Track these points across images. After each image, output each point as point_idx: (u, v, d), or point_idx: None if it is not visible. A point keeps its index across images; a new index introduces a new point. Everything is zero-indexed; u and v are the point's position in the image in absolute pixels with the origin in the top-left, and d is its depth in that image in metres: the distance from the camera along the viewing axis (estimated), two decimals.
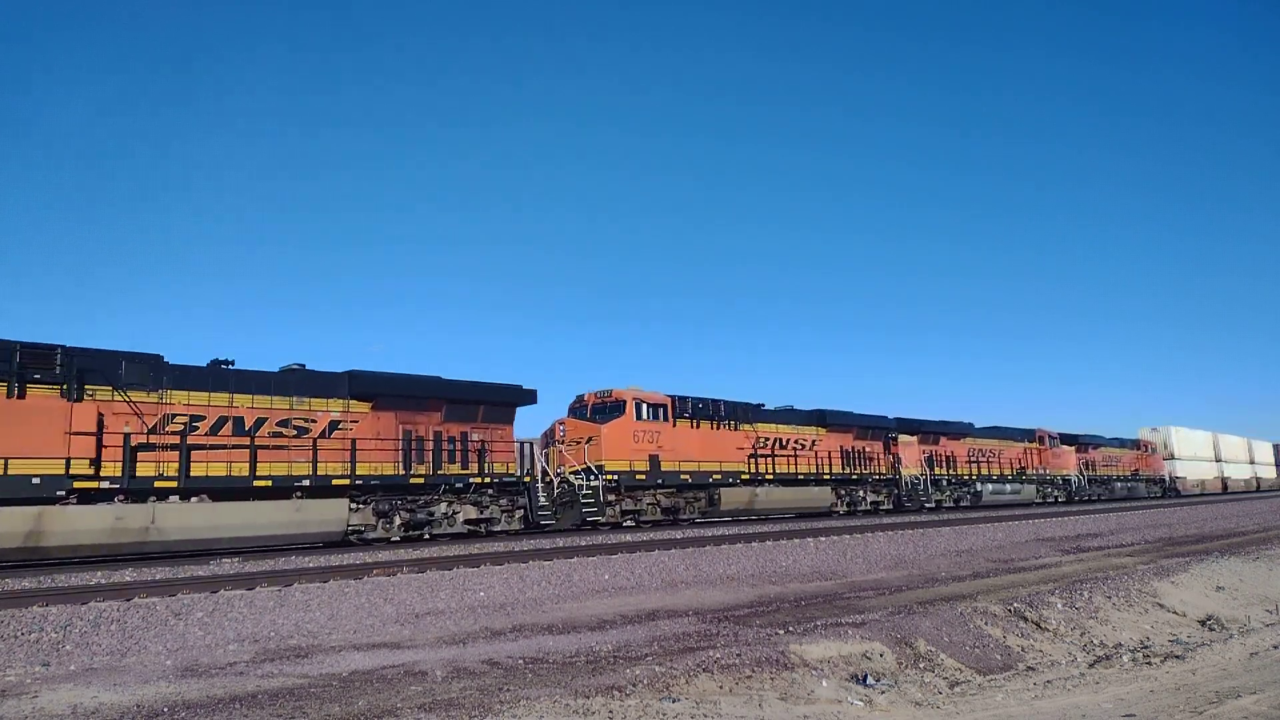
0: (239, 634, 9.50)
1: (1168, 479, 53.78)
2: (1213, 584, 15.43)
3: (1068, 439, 44.67)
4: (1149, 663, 9.69)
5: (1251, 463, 70.10)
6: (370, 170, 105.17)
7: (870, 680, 8.38)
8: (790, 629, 9.77)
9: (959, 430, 36.86)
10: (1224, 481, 62.17)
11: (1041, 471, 41.52)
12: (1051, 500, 41.23)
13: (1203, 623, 13.06)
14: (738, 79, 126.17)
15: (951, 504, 34.81)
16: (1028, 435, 42.35)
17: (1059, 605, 12.38)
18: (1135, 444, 52.57)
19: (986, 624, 11.04)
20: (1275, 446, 78.94)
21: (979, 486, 36.04)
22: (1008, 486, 38.07)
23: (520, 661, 8.10)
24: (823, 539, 19.21)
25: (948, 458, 35.50)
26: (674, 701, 6.78)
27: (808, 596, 12.56)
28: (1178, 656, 10.03)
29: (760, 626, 9.99)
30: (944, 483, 34.66)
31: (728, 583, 13.95)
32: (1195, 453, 58.65)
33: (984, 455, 37.76)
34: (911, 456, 33.14)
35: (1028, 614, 11.69)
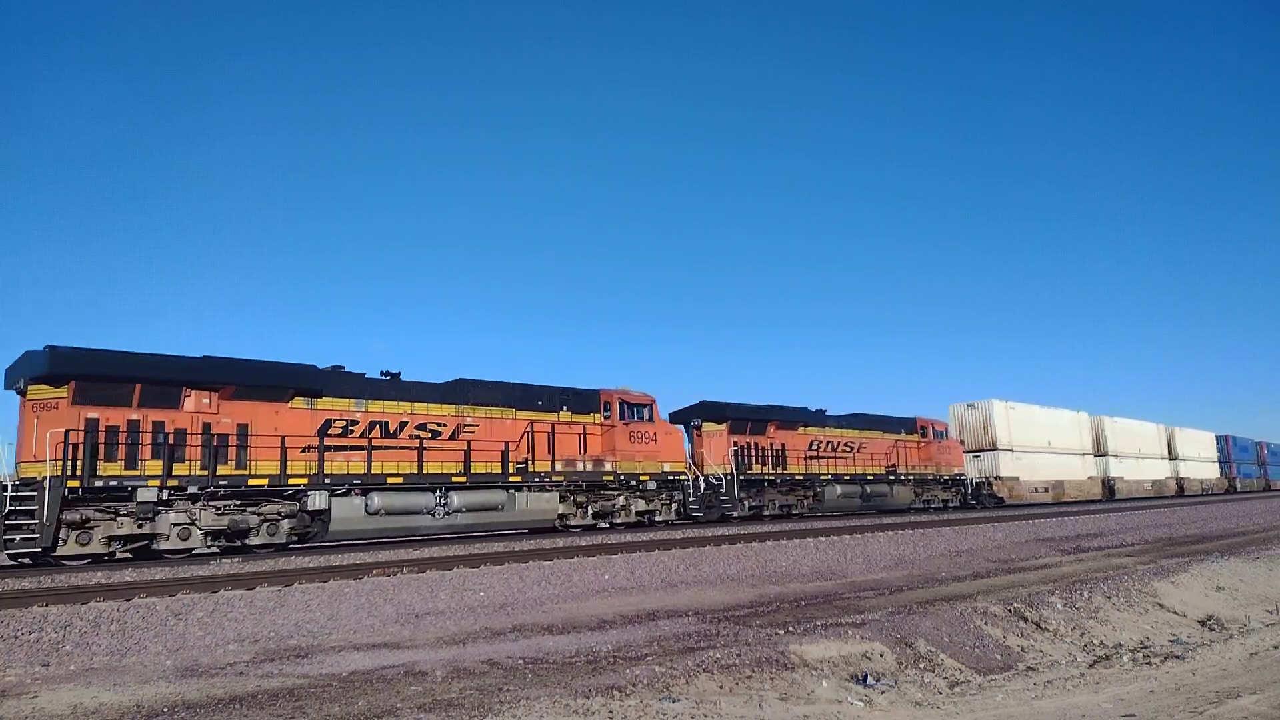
0: (239, 634, 9.49)
1: (972, 481, 36.52)
2: (1213, 584, 15.43)
3: (709, 411, 26.81)
4: (1149, 663, 9.69)
5: (1172, 458, 53.17)
6: (373, 171, 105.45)
7: (870, 680, 8.38)
8: (790, 629, 9.77)
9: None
10: (1108, 483, 44.48)
11: (588, 466, 22.20)
12: (633, 521, 22.93)
13: (1203, 623, 13.06)
14: (737, 81, 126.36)
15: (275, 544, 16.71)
16: (568, 399, 22.53)
17: (1059, 605, 12.37)
18: (905, 425, 34.16)
19: (986, 624, 11.03)
20: (1221, 439, 62.19)
21: (457, 498, 18.67)
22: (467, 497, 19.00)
23: (520, 661, 8.10)
24: (823, 539, 19.20)
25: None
26: (674, 702, 6.78)
27: (808, 596, 12.55)
28: (1178, 656, 10.03)
29: (760, 626, 9.99)
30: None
31: (727, 583, 13.94)
32: (1048, 441, 41.56)
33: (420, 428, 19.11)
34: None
35: (1028, 614, 11.68)
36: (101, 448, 15.04)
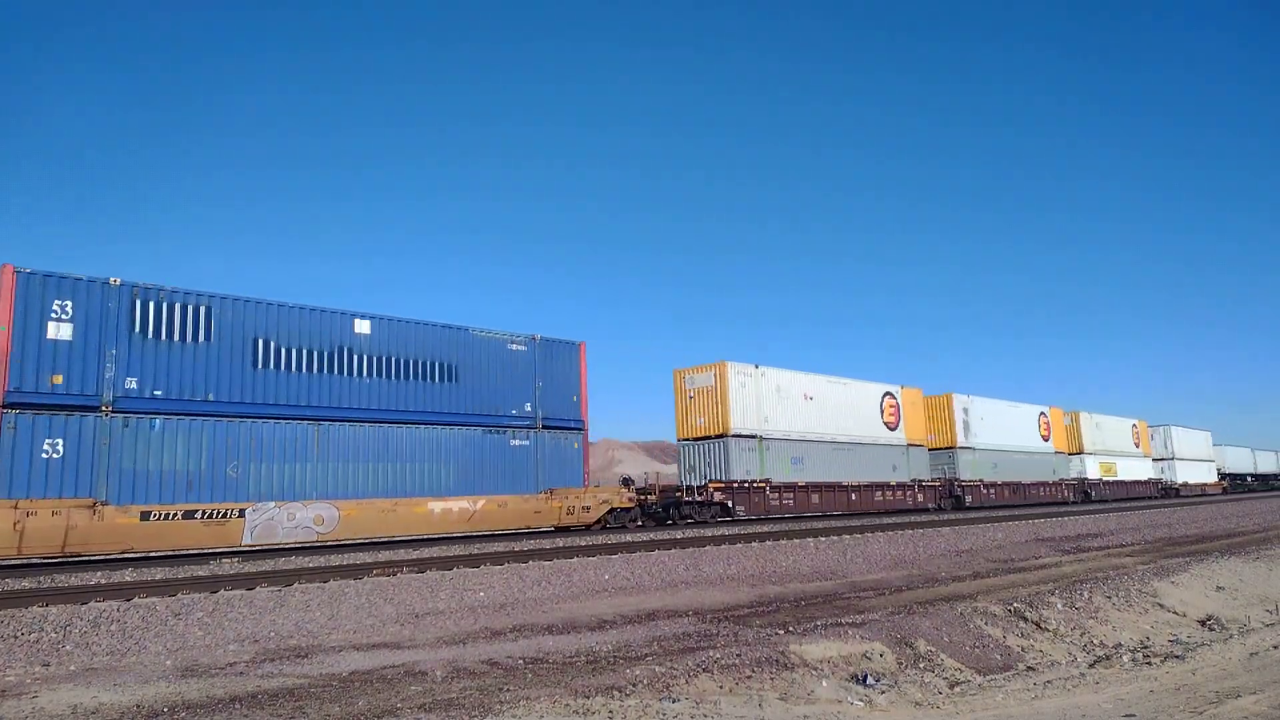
0: (239, 634, 9.49)
1: None
2: (1213, 584, 15.43)
3: None
4: (1149, 663, 9.69)
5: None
6: (380, 167, 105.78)
7: (870, 680, 8.38)
8: (790, 629, 9.77)
9: None
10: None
11: None
12: None
13: (1203, 623, 13.06)
14: (742, 77, 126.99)
15: None
16: None
17: (1059, 605, 12.37)
18: None
19: (986, 624, 11.03)
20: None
21: None
22: None
23: (520, 661, 8.10)
24: (823, 539, 19.20)
25: None
26: (674, 701, 6.78)
27: (808, 596, 12.55)
28: (1178, 656, 10.02)
29: (760, 626, 9.99)
30: None
31: (728, 583, 13.94)
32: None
33: None
34: None
35: (1028, 614, 11.68)
36: None
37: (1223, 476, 66.46)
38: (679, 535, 19.72)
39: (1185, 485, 57.17)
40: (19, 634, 8.87)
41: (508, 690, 6.88)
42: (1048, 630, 11.36)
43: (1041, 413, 43.03)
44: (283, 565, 14.05)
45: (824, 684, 8.00)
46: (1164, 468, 55.87)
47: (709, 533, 20.53)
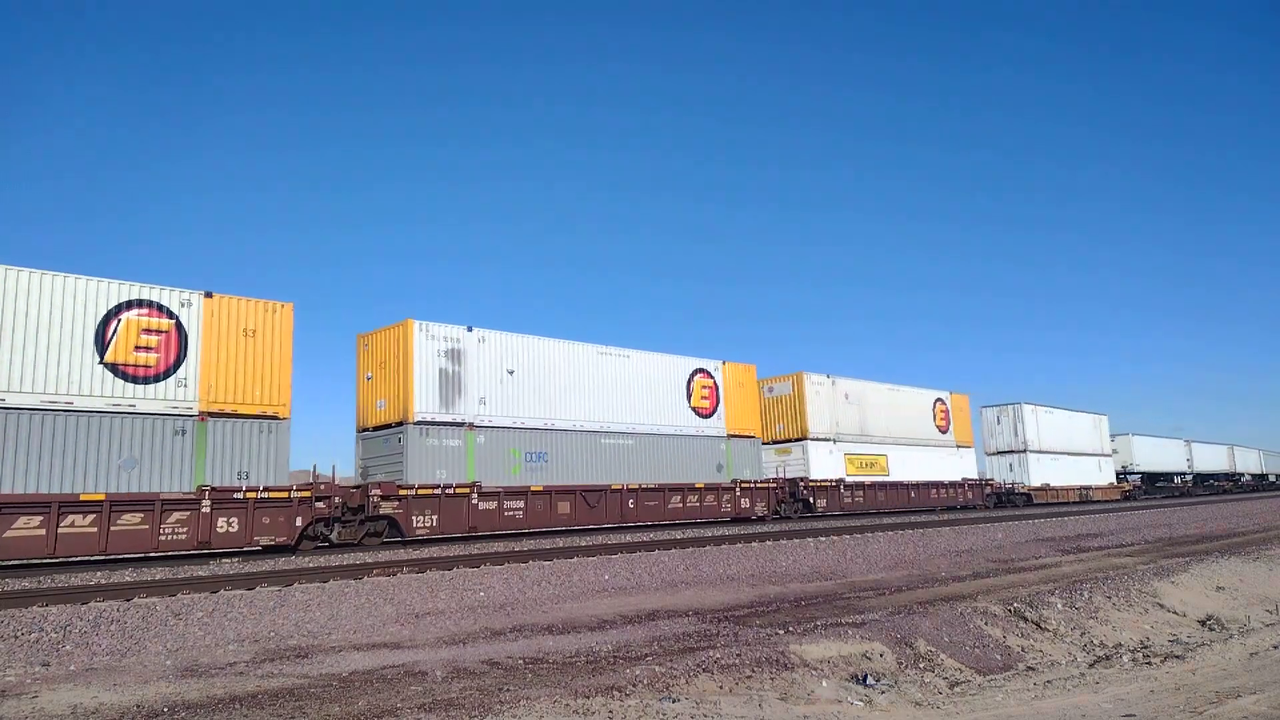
0: (239, 634, 9.49)
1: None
2: (1213, 584, 15.43)
3: None
4: (1149, 663, 9.69)
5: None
6: (382, 154, 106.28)
7: (870, 680, 8.38)
8: (790, 629, 9.77)
9: None
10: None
11: None
12: None
13: (1203, 623, 13.06)
14: (751, 63, 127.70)
15: None
16: None
17: (1059, 605, 12.37)
18: None
19: (986, 624, 11.03)
20: None
21: None
22: None
23: (520, 661, 8.10)
24: (823, 539, 19.21)
25: None
26: (674, 702, 6.78)
27: (808, 596, 12.55)
28: (1178, 656, 10.03)
29: (760, 626, 9.99)
30: None
31: (727, 583, 13.94)
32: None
33: None
34: None
35: (1028, 614, 11.68)
36: None
37: (1127, 476, 52.70)
38: (678, 535, 19.72)
39: (1046, 488, 41.54)
40: (19, 634, 8.87)
41: (508, 690, 6.88)
42: (1048, 630, 11.36)
43: (700, 371, 25.83)
44: (283, 565, 14.06)
45: (824, 684, 8.00)
46: (1012, 464, 41.61)
47: (709, 533, 20.53)
